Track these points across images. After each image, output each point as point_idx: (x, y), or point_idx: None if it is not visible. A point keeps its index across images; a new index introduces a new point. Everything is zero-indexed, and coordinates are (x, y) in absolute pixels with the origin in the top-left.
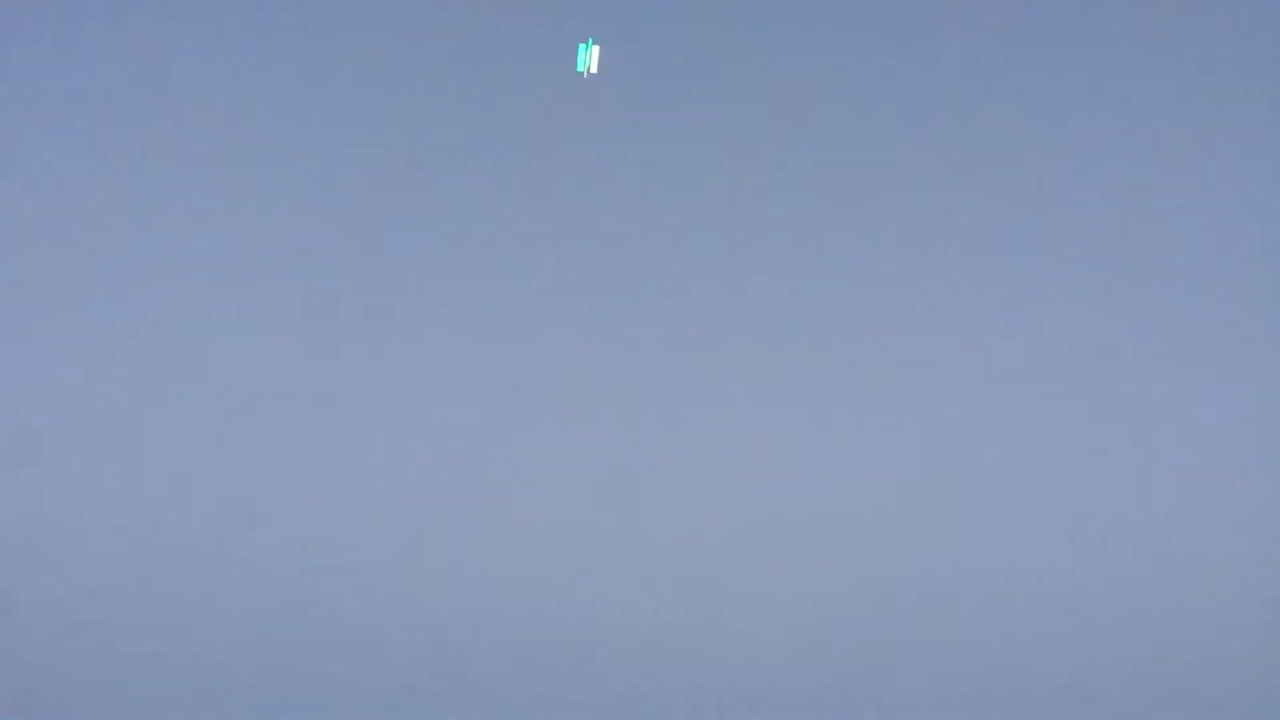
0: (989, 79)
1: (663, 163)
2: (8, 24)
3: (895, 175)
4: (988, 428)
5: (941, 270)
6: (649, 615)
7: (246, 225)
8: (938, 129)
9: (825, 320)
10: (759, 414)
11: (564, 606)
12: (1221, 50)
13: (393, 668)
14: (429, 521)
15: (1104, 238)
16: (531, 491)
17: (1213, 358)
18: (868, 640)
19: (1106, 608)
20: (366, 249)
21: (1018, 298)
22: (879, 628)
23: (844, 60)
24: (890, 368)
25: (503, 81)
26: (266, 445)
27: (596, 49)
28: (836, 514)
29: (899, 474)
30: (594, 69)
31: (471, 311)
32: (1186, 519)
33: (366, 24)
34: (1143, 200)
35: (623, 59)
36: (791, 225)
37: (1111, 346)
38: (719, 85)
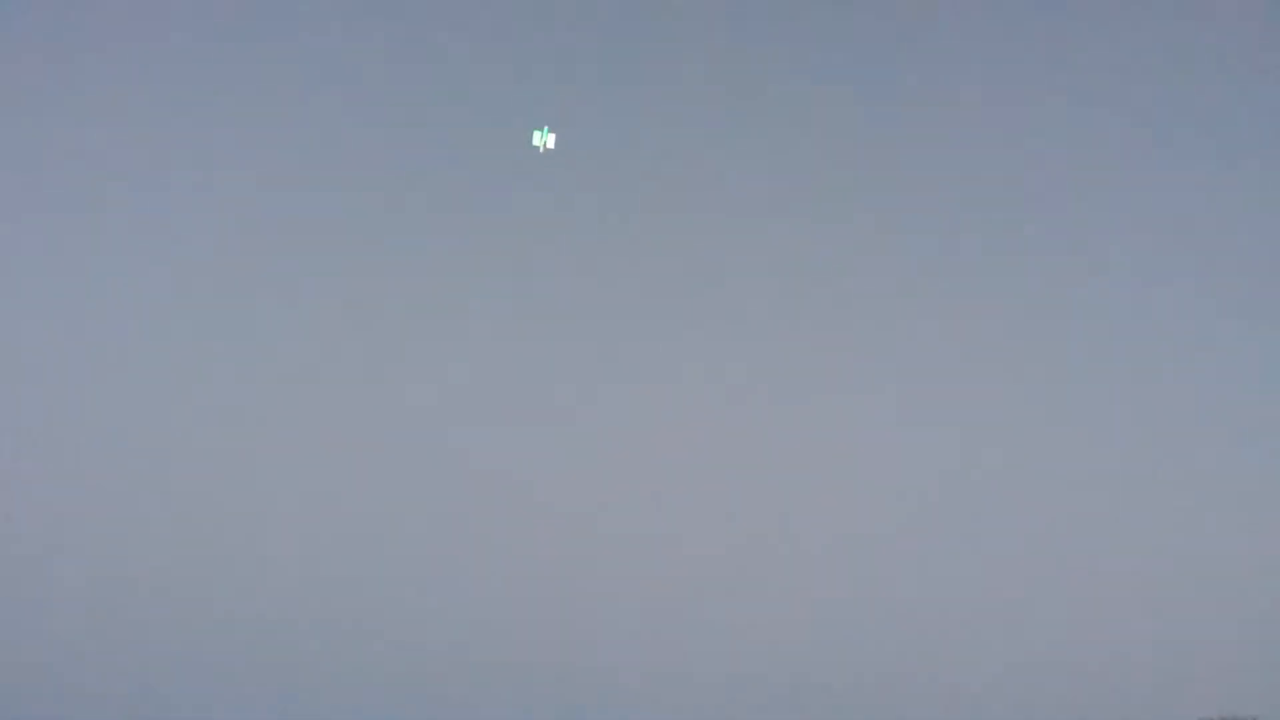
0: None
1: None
2: (9, 24)
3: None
4: (991, 432)
5: (937, 290)
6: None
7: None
8: (931, 187)
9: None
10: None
11: (568, 605)
12: (1220, 53)
13: (397, 669)
14: (433, 528)
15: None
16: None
17: (1212, 364)
18: (873, 642)
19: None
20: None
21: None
22: (884, 629)
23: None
24: (889, 382)
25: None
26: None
27: (551, 135)
28: (843, 521)
29: (903, 481)
30: (549, 146)
31: (475, 336)
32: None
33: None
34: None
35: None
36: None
37: (1111, 356)
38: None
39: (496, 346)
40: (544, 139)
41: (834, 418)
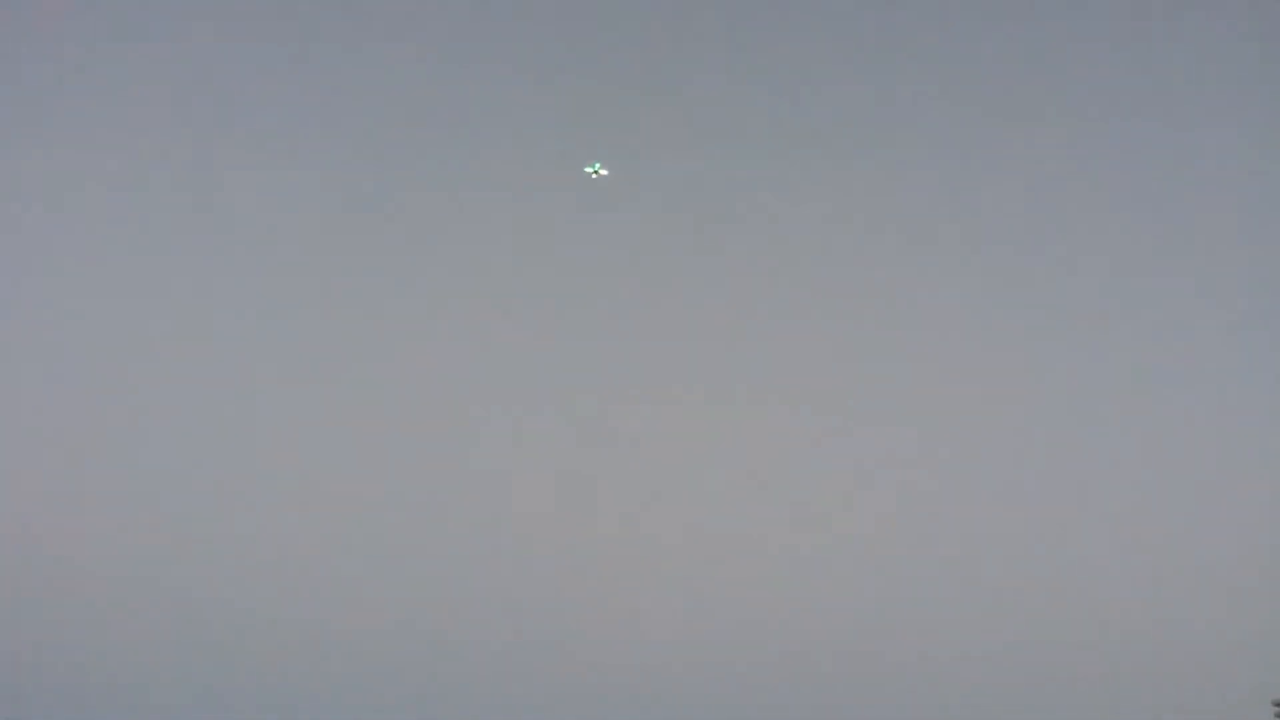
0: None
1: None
2: (10, 26)
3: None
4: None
5: (939, 295)
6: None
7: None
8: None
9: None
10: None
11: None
12: (1221, 54)
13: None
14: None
15: (1109, 250)
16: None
17: (1217, 369)
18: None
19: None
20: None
21: (1022, 318)
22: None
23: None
24: (891, 394)
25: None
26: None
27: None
28: (842, 524)
29: (902, 487)
30: (602, 173)
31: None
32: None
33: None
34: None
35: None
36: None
37: (1114, 358)
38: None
39: (522, 341)
40: (596, 169)
41: (846, 420)
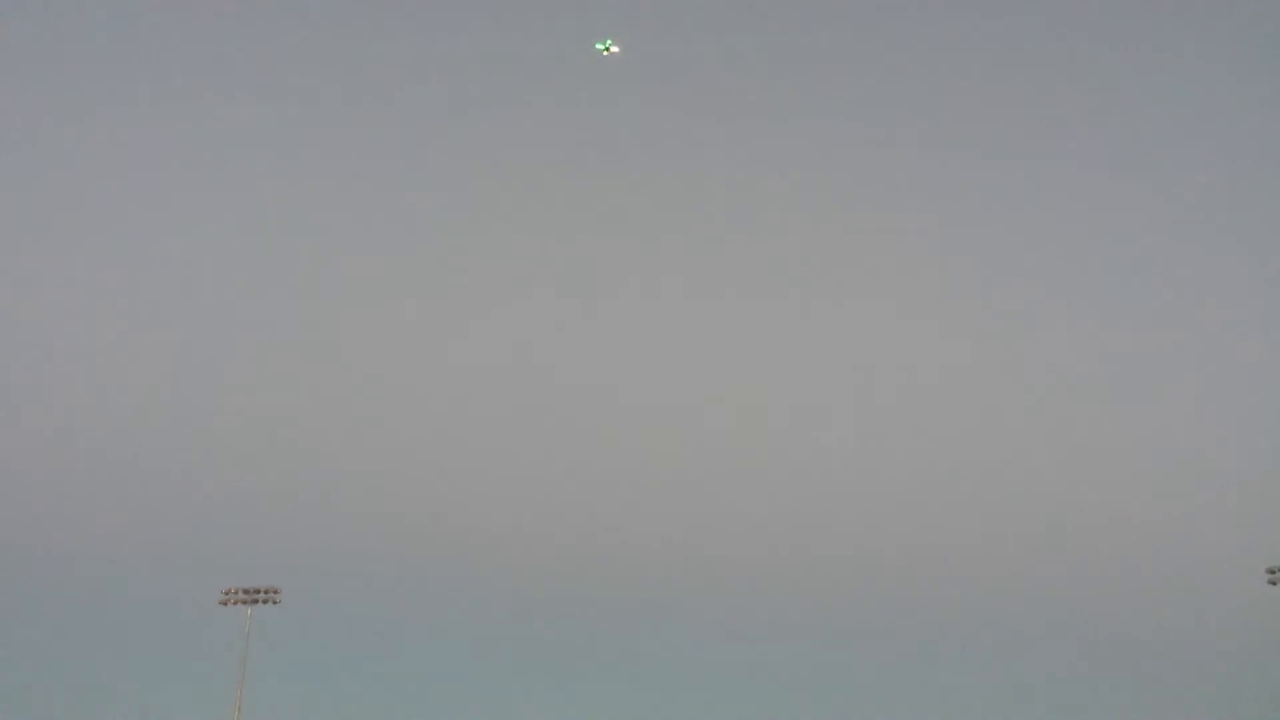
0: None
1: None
2: (10, 24)
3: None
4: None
5: (950, 266)
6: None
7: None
8: (947, 138)
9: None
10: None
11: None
12: (1221, 55)
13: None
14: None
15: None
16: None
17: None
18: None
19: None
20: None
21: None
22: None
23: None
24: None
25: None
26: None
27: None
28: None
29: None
30: (613, 50)
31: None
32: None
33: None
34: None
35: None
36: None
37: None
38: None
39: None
40: (607, 46)
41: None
